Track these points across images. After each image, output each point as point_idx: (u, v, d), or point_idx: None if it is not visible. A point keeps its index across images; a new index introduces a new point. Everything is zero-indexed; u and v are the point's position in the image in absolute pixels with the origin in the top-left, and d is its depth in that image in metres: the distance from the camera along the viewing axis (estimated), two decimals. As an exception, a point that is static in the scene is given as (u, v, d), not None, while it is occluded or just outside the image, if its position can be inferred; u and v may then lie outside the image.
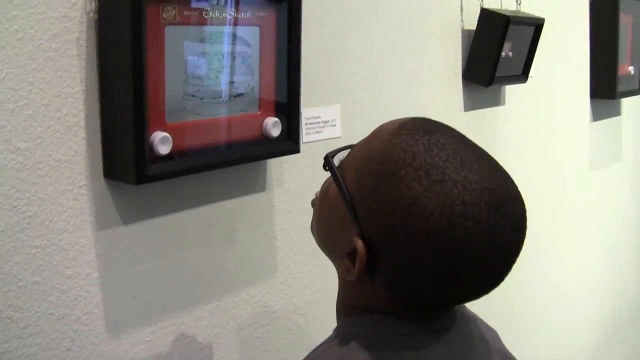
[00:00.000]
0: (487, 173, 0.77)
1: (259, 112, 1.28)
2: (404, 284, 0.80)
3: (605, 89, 2.65)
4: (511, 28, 1.86)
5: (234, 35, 1.22)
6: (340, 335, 0.86)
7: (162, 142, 1.10)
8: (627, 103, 3.05)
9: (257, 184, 1.38)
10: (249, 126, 1.27)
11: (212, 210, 1.29)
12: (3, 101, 0.98)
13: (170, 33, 1.11)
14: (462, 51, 1.95)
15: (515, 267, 0.81)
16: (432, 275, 0.77)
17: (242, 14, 1.21)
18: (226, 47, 1.21)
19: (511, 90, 2.17)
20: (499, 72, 1.93)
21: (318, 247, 0.93)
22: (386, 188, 0.77)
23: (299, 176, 1.46)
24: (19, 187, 1.01)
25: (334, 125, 1.54)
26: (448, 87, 1.92)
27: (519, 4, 2.09)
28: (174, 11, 1.10)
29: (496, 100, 2.14)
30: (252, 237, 1.38)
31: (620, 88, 2.66)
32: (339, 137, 1.54)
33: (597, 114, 2.80)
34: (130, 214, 1.16)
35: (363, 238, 0.79)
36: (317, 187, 0.96)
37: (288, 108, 1.31)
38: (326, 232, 0.90)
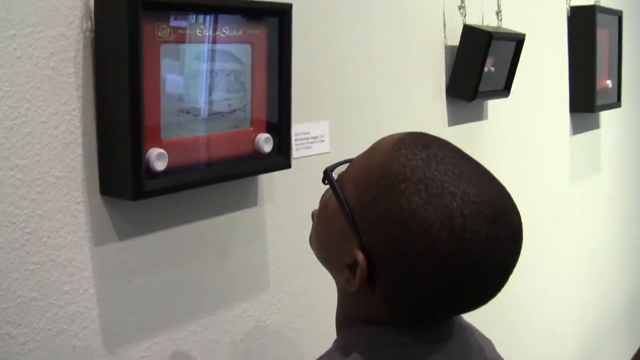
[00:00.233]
0: (485, 186, 0.79)
1: (251, 128, 1.30)
2: (404, 295, 0.81)
3: (584, 102, 2.70)
4: (493, 44, 1.89)
5: (227, 53, 1.23)
6: (341, 347, 0.87)
7: (158, 159, 1.11)
8: (605, 116, 3.10)
9: (249, 200, 1.39)
10: (242, 142, 1.28)
11: (205, 225, 1.31)
12: (2, 119, 0.99)
13: (166, 51, 1.12)
14: (446, 67, 1.98)
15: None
16: (432, 286, 0.78)
17: (235, 31, 1.23)
18: (219, 65, 1.23)
19: (494, 105, 2.21)
20: (482, 87, 1.95)
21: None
22: (386, 201, 0.79)
23: (290, 191, 1.47)
24: (18, 203, 1.02)
25: (323, 141, 1.56)
26: (432, 102, 1.95)
27: (500, 20, 2.12)
28: (168, 29, 1.12)
29: (479, 115, 2.17)
30: (245, 252, 1.39)
31: (599, 102, 2.72)
32: (328, 152, 1.56)
33: (577, 127, 2.85)
34: (126, 230, 1.17)
35: (363, 250, 0.81)
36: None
37: (279, 124, 1.33)
38: (326, 245, 0.91)
